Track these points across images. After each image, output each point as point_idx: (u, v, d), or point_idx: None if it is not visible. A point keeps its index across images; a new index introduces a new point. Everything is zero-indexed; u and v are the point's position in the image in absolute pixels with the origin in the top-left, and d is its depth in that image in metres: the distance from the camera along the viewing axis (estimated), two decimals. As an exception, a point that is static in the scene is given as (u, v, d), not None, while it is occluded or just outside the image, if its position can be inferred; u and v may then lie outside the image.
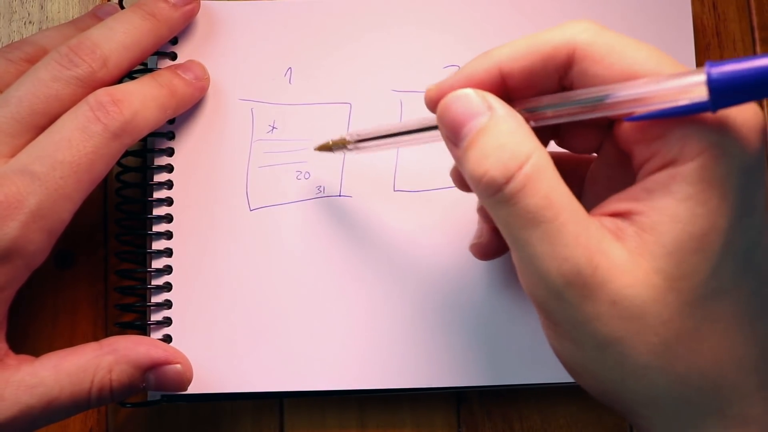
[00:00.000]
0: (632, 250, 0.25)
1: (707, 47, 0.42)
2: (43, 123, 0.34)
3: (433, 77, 0.39)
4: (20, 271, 0.33)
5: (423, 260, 0.38)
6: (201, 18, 0.40)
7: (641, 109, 0.25)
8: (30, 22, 0.42)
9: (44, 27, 0.42)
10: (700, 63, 0.40)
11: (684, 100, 0.24)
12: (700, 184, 0.24)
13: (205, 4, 0.39)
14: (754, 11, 0.42)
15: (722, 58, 0.41)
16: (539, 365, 0.37)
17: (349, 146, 0.35)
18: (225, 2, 0.40)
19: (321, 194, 0.39)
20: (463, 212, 0.38)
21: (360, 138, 0.34)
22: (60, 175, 0.32)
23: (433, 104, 0.29)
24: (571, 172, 0.32)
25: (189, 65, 0.38)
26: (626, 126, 0.27)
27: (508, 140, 0.26)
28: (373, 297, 0.38)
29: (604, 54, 0.26)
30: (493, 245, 0.34)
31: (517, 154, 0.25)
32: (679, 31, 0.39)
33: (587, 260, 0.25)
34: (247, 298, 0.38)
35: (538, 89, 0.28)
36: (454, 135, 0.27)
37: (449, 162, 0.39)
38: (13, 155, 0.33)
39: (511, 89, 0.28)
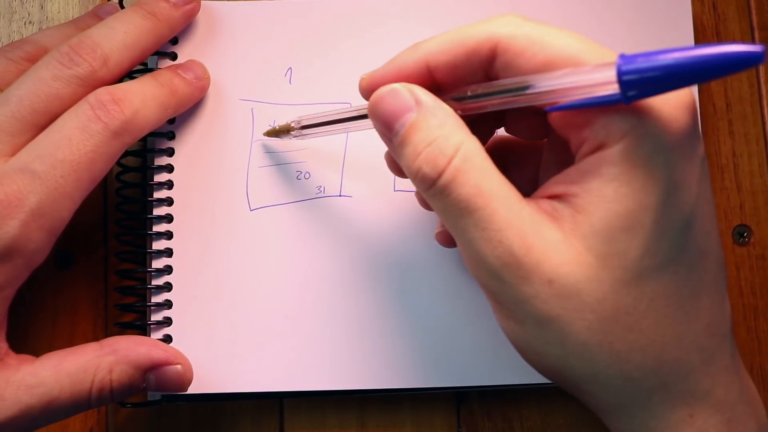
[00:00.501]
0: (567, 230, 0.26)
1: (707, 47, 0.42)
2: (43, 122, 0.34)
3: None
4: (20, 270, 0.33)
5: (423, 260, 0.38)
6: (201, 18, 0.40)
7: (562, 100, 0.26)
8: (30, 22, 0.42)
9: (44, 27, 0.42)
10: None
11: (599, 92, 0.25)
12: (625, 165, 0.25)
13: (205, 4, 0.39)
14: (754, 11, 0.42)
15: (722, 58, 0.41)
16: (539, 365, 0.37)
17: (293, 132, 0.36)
18: (225, 2, 0.40)
19: (321, 194, 0.39)
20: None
21: (304, 125, 0.36)
22: (60, 173, 0.32)
23: (366, 93, 0.30)
24: (527, 156, 0.33)
25: (189, 65, 0.38)
26: (555, 114, 0.27)
27: (436, 135, 0.27)
28: (373, 297, 0.38)
29: (525, 46, 0.27)
30: None
31: (445, 149, 0.27)
32: (679, 31, 0.39)
33: (520, 242, 0.26)
34: (247, 298, 0.38)
35: (466, 81, 0.29)
36: (387, 131, 0.28)
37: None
38: (13, 154, 0.33)
39: (439, 81, 0.29)
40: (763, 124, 0.41)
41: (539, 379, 0.37)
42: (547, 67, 0.26)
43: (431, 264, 0.38)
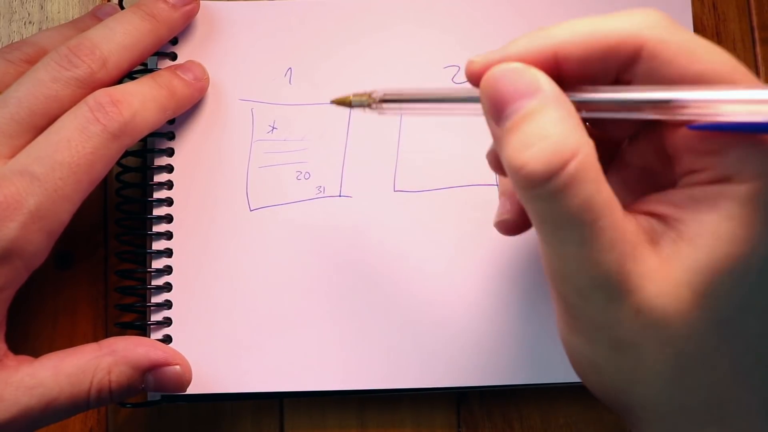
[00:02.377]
0: (665, 257, 0.24)
1: (707, 47, 0.42)
2: (42, 124, 0.33)
3: (433, 78, 0.39)
4: (19, 272, 0.33)
5: (423, 260, 0.38)
6: (201, 18, 0.40)
7: (706, 119, 0.24)
8: (30, 23, 0.42)
9: (44, 27, 0.42)
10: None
11: (758, 117, 0.23)
12: (749, 207, 0.24)
13: (205, 4, 0.39)
14: (754, 11, 0.42)
15: (722, 58, 0.41)
16: (539, 365, 0.37)
17: (372, 104, 0.30)
18: (225, 2, 0.40)
19: (321, 194, 0.39)
20: (464, 212, 0.38)
21: (387, 98, 0.30)
22: (59, 176, 0.32)
23: (475, 78, 0.27)
24: (602, 150, 0.30)
25: (188, 65, 0.38)
26: (682, 132, 0.25)
27: (554, 131, 0.24)
28: (373, 297, 0.38)
29: (676, 54, 0.24)
30: (520, 222, 0.32)
31: (562, 149, 0.23)
32: (680, 31, 0.39)
33: (619, 267, 0.24)
34: (247, 298, 0.38)
35: (592, 78, 0.26)
36: (496, 112, 0.25)
37: (450, 162, 0.39)
38: (12, 156, 0.33)
39: (564, 74, 0.26)
40: (764, 124, 0.41)
41: (539, 379, 0.37)
42: (695, 83, 0.24)
43: (431, 264, 0.38)
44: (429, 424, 0.39)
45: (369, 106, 0.30)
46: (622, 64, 0.26)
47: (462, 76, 0.39)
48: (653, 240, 0.25)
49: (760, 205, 0.24)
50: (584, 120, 0.25)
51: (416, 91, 0.29)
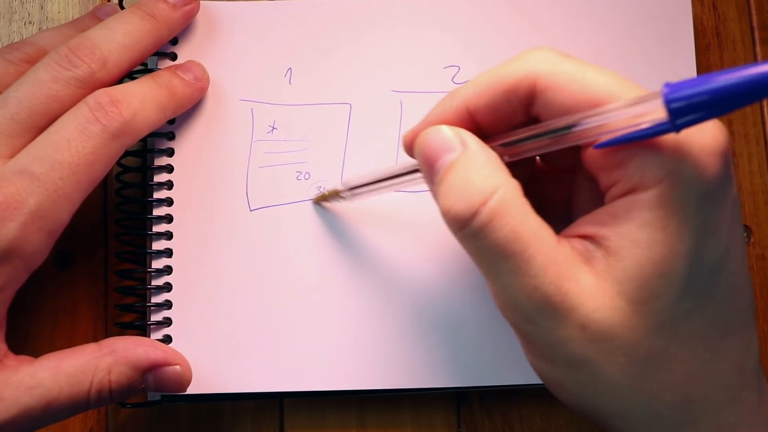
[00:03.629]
0: (599, 273, 0.26)
1: (707, 47, 0.42)
2: (42, 124, 0.34)
3: (433, 78, 0.39)
4: (19, 272, 0.33)
5: (423, 260, 0.38)
6: (201, 18, 0.40)
7: (607, 136, 0.26)
8: (30, 23, 0.42)
9: (44, 27, 0.42)
10: (700, 63, 0.40)
11: (647, 123, 0.24)
12: (659, 211, 0.25)
13: (205, 4, 0.39)
14: (754, 11, 0.42)
15: (722, 58, 0.41)
16: (539, 365, 0.37)
17: (343, 194, 0.36)
18: (225, 2, 0.40)
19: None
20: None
21: (352, 186, 0.35)
22: (59, 175, 0.32)
23: (409, 149, 0.30)
24: (561, 180, 0.33)
25: (188, 65, 0.38)
26: (590, 152, 0.27)
27: (474, 175, 0.26)
28: (373, 297, 0.38)
29: (565, 82, 0.26)
30: None
31: (482, 189, 0.26)
32: (679, 31, 0.39)
33: (556, 288, 0.26)
34: (247, 299, 0.38)
35: (508, 122, 0.29)
36: (429, 169, 0.28)
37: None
38: (12, 156, 0.33)
39: (482, 125, 0.29)
40: (763, 124, 0.41)
41: (539, 379, 0.37)
42: (588, 104, 0.26)
43: (431, 264, 0.38)
44: (429, 424, 0.39)
45: (342, 197, 0.36)
46: (523, 103, 0.28)
47: (463, 76, 0.39)
48: (588, 260, 0.26)
49: (667, 206, 0.25)
50: (516, 162, 0.28)
51: (373, 175, 0.34)
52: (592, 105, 0.26)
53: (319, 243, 0.38)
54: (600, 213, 0.27)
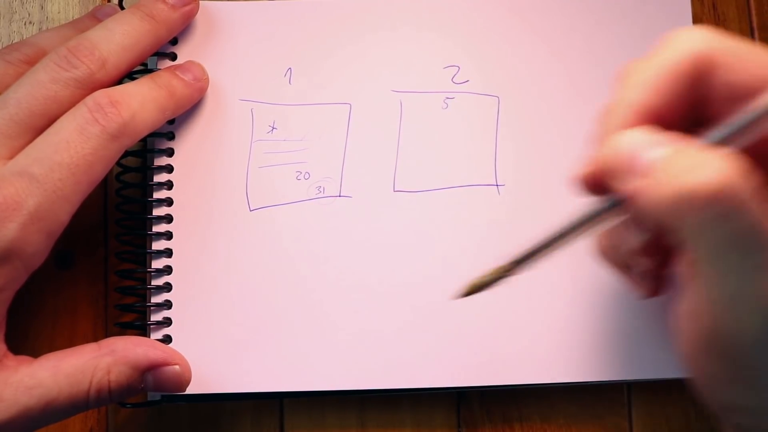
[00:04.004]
0: None
1: (708, 47, 0.41)
2: (41, 125, 0.34)
3: (433, 78, 0.39)
4: (19, 273, 0.33)
5: (422, 260, 0.38)
6: (200, 18, 0.40)
7: None
8: (30, 23, 0.42)
9: (44, 27, 0.42)
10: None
11: None
12: None
13: (204, 4, 0.39)
14: (754, 11, 0.42)
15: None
16: (539, 365, 0.37)
17: (508, 274, 0.29)
18: (225, 2, 0.40)
19: (321, 194, 0.39)
20: (463, 212, 0.38)
21: (519, 259, 0.28)
22: (58, 176, 0.32)
23: (591, 183, 0.26)
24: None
25: (188, 66, 0.38)
26: None
27: (698, 159, 0.23)
28: (372, 297, 0.38)
29: (744, 62, 0.24)
30: (656, 285, 0.30)
31: (731, 168, 0.22)
32: (680, 31, 0.39)
33: None
34: (247, 298, 0.38)
35: (687, 109, 0.26)
36: (629, 165, 0.24)
37: (450, 162, 0.39)
38: (11, 157, 0.33)
39: (659, 121, 0.26)
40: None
41: (539, 379, 0.37)
42: (763, 81, 0.24)
43: (431, 264, 0.38)
44: (429, 424, 0.39)
45: (502, 277, 0.29)
46: (697, 83, 0.25)
47: (461, 76, 0.39)
48: None
49: None
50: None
51: (538, 243, 0.28)
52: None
53: (319, 243, 0.38)
54: None
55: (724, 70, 0.25)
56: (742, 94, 0.24)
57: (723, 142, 0.24)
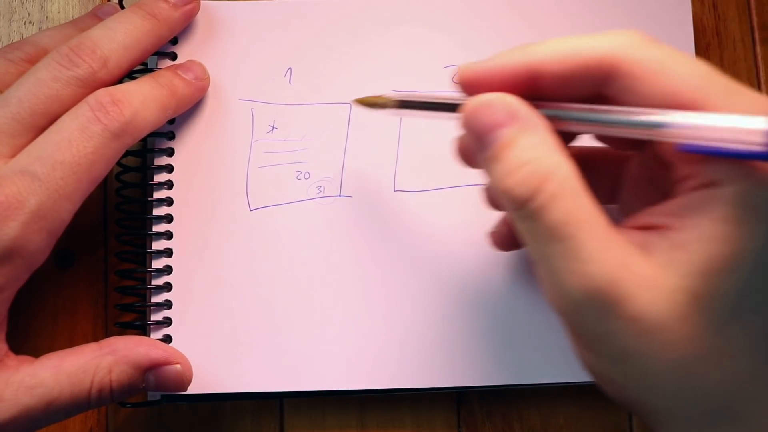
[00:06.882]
0: (658, 265, 0.25)
1: (707, 47, 0.42)
2: (43, 123, 0.33)
3: (433, 78, 0.39)
4: (21, 272, 0.33)
5: (422, 260, 0.38)
6: (201, 18, 0.40)
7: (687, 141, 0.25)
8: (30, 22, 0.42)
9: (44, 27, 0.42)
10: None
11: (742, 146, 0.23)
12: (739, 207, 0.24)
13: (205, 4, 0.39)
14: (754, 11, 0.42)
15: (722, 59, 0.41)
16: (539, 365, 0.37)
17: (389, 108, 0.33)
18: (225, 2, 0.40)
19: (321, 194, 0.39)
20: (463, 212, 0.38)
21: (404, 101, 0.32)
22: (60, 175, 0.32)
23: (462, 85, 0.29)
24: (608, 165, 0.32)
25: (189, 65, 0.38)
26: (669, 143, 0.26)
27: (532, 155, 0.26)
28: (372, 297, 0.38)
29: (649, 72, 0.25)
30: (510, 238, 0.34)
31: (539, 171, 0.25)
32: (679, 31, 0.39)
33: (608, 276, 0.25)
34: (247, 298, 0.38)
35: (570, 93, 0.28)
36: (479, 142, 0.27)
37: (450, 162, 0.39)
38: (13, 156, 0.33)
39: (542, 90, 0.28)
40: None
41: (539, 379, 0.37)
42: (669, 97, 0.25)
43: (431, 264, 0.38)
44: (429, 424, 0.39)
45: (384, 107, 0.33)
46: (597, 81, 0.27)
47: (462, 76, 0.39)
48: (647, 251, 0.25)
49: (748, 204, 0.24)
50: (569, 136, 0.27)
51: (429, 97, 0.31)
52: (673, 102, 0.25)
53: (319, 243, 0.38)
54: (669, 204, 0.26)
55: (631, 79, 0.26)
56: (636, 103, 0.26)
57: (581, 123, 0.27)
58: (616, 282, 0.25)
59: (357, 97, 0.35)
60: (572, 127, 0.27)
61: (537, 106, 0.27)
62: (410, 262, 0.38)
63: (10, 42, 0.41)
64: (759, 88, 0.41)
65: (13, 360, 0.33)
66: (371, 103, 0.34)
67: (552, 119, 0.27)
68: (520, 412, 0.39)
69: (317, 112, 0.40)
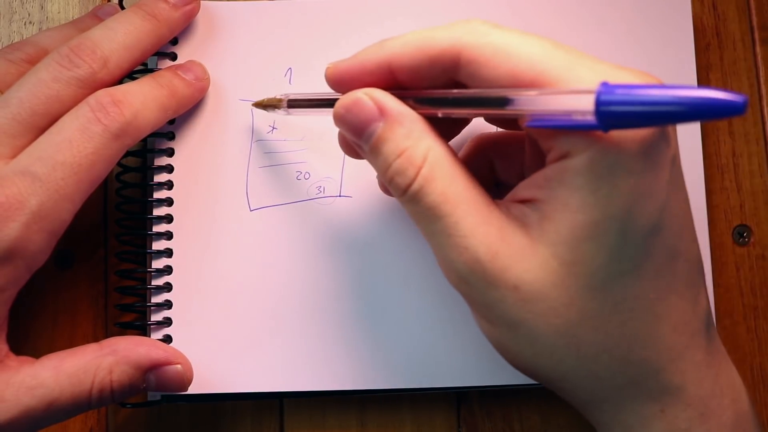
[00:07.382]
0: (534, 236, 0.27)
1: (707, 47, 0.42)
2: (43, 124, 0.33)
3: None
4: (21, 272, 0.33)
5: (422, 260, 0.38)
6: (201, 18, 0.40)
7: (538, 117, 0.26)
8: (30, 23, 0.42)
9: (44, 27, 0.42)
10: (699, 63, 0.40)
11: (578, 116, 0.24)
12: (589, 175, 0.25)
13: (205, 4, 0.39)
14: (754, 11, 0.42)
15: (722, 58, 0.41)
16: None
17: (281, 108, 0.36)
18: (225, 2, 0.40)
19: (321, 194, 0.39)
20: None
21: (291, 99, 0.35)
22: (61, 176, 0.32)
23: (330, 83, 0.31)
24: (513, 146, 0.33)
25: (189, 65, 0.38)
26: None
27: (405, 145, 0.28)
28: (372, 297, 0.38)
29: (489, 56, 0.27)
30: None
31: (413, 159, 0.27)
32: (679, 31, 0.39)
33: (486, 248, 0.26)
34: (247, 298, 0.38)
35: (430, 83, 0.29)
36: (355, 138, 0.29)
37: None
38: (13, 156, 0.33)
39: (401, 80, 0.29)
40: (763, 123, 0.41)
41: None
42: (512, 79, 0.26)
43: (431, 264, 0.38)
44: (429, 424, 0.39)
45: (276, 107, 0.36)
46: (447, 70, 0.28)
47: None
48: (523, 223, 0.27)
49: (597, 170, 0.25)
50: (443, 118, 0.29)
51: (316, 95, 0.34)
52: (517, 82, 0.26)
53: (319, 243, 0.38)
54: (536, 177, 0.27)
55: (474, 65, 0.27)
56: (484, 87, 0.27)
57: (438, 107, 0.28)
58: (495, 254, 0.27)
59: (256, 101, 0.38)
60: (437, 112, 0.29)
61: (401, 95, 0.29)
62: (410, 261, 0.38)
63: (10, 42, 0.41)
64: (759, 88, 0.41)
65: (13, 361, 0.33)
66: (266, 105, 0.37)
67: (416, 107, 0.29)
68: (520, 412, 0.39)
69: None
